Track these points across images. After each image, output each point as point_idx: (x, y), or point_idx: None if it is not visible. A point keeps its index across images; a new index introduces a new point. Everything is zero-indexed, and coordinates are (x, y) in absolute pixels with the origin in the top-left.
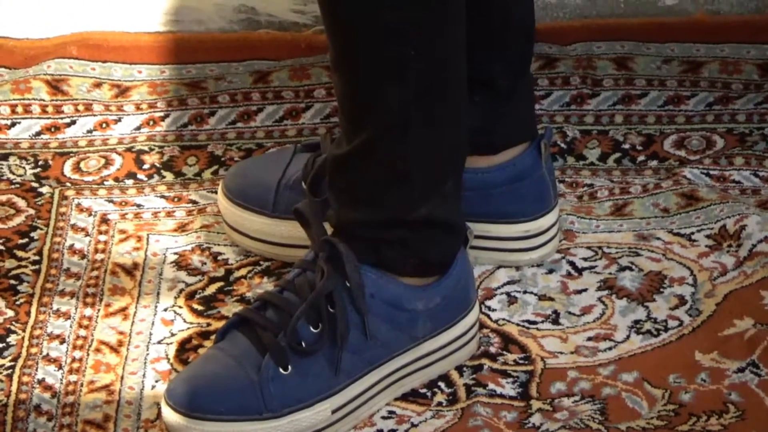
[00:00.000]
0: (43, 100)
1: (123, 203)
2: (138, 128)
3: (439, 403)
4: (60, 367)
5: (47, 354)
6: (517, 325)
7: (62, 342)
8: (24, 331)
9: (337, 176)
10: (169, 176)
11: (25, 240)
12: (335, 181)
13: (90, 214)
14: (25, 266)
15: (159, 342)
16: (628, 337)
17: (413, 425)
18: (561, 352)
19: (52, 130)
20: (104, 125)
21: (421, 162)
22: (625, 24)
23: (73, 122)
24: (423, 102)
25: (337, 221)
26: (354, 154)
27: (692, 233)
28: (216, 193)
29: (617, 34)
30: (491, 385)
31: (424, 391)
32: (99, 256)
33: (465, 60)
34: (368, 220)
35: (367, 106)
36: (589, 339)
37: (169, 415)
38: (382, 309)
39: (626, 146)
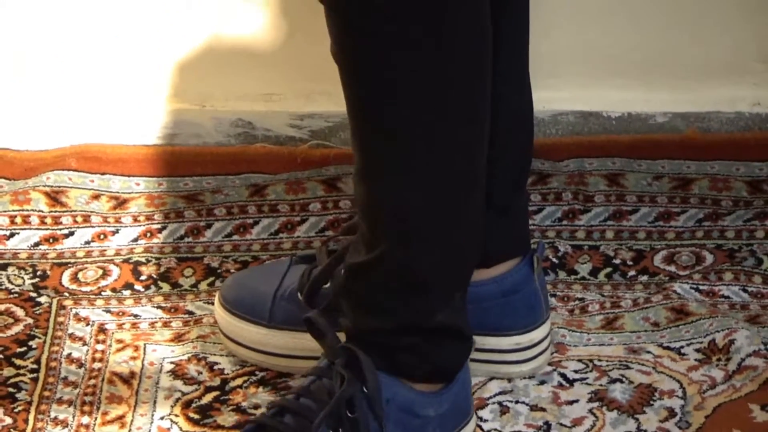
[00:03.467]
0: (42, 212)
1: (120, 313)
2: (135, 240)
3: None
4: None
5: None
6: None
7: None
8: None
9: (355, 284)
10: (165, 287)
11: (24, 349)
12: (352, 289)
13: (87, 324)
14: (24, 374)
15: None
16: None
17: None
18: None
19: (51, 240)
20: (102, 237)
21: (441, 270)
22: (616, 141)
23: (72, 233)
24: (449, 210)
25: (353, 328)
26: (375, 263)
27: (682, 347)
28: (212, 304)
29: (609, 151)
30: None
31: None
32: (96, 365)
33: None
34: (385, 327)
35: (392, 216)
36: None
37: None
38: (397, 415)
39: (617, 261)
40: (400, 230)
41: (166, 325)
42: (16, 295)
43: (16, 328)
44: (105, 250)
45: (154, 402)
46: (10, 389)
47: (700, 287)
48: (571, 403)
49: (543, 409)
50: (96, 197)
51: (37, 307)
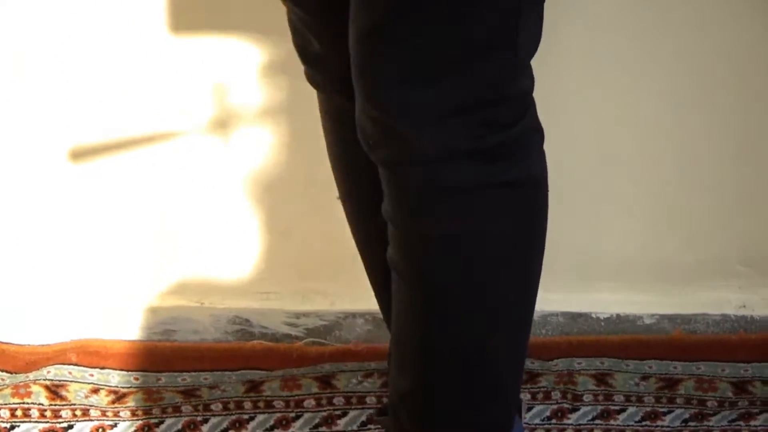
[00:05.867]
0: (42, 405)
1: None
2: None
3: None
4: None
5: None
6: None
7: None
8: None
9: None
10: None
11: None
12: None
13: None
14: None
15: None
16: None
17: None
18: None
19: None
20: (101, 430)
21: None
22: (605, 341)
23: (71, 426)
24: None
25: None
26: None
27: None
28: None
29: (598, 351)
30: None
31: None
32: None
33: None
34: None
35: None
36: None
37: None
38: None
39: None
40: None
41: None
42: None
43: None
44: None
45: None
46: None
47: None
48: None
49: None
50: (95, 391)
51: None
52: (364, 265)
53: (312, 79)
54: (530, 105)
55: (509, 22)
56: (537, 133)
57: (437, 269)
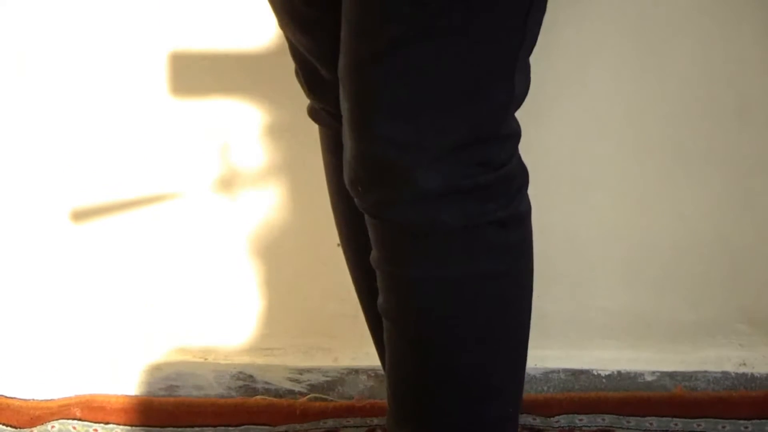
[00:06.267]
0: None
1: None
2: None
3: None
4: None
5: None
6: None
7: None
8: None
9: None
10: None
11: None
12: None
13: None
14: None
15: None
16: None
17: None
18: None
19: None
20: None
21: None
22: (606, 398)
23: None
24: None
25: None
26: None
27: None
28: None
29: (599, 408)
30: None
31: None
32: None
33: None
34: None
35: None
36: None
37: None
38: None
39: None
40: None
41: None
42: None
43: None
44: None
45: None
46: None
47: None
48: None
49: None
50: None
51: None
52: (364, 313)
53: (317, 113)
54: (517, 147)
55: (509, 59)
56: (523, 173)
57: (430, 311)
